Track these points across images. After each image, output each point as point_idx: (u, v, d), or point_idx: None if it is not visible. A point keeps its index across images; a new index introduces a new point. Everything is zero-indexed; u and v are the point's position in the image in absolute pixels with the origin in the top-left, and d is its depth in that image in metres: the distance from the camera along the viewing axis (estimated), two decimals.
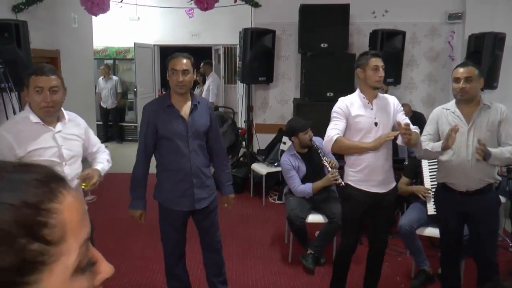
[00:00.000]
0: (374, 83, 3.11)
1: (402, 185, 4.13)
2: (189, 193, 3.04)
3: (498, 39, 6.13)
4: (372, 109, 3.16)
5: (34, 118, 2.40)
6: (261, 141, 6.91)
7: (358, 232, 3.44)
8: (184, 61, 2.92)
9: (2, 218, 0.58)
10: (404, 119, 3.14)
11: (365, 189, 3.21)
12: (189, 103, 3.02)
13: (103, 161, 2.69)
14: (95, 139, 2.78)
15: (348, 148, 3.16)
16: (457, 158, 3.10)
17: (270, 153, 6.57)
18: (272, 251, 4.55)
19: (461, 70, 3.09)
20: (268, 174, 6.10)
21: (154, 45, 10.62)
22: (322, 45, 6.25)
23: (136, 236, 4.87)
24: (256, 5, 6.81)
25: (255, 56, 6.37)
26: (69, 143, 2.52)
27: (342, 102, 3.21)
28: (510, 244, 4.68)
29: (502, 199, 4.20)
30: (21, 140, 2.36)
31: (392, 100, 3.25)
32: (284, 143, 6.27)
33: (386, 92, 5.85)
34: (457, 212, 3.21)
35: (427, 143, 3.20)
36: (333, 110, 3.22)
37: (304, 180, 4.29)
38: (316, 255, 4.17)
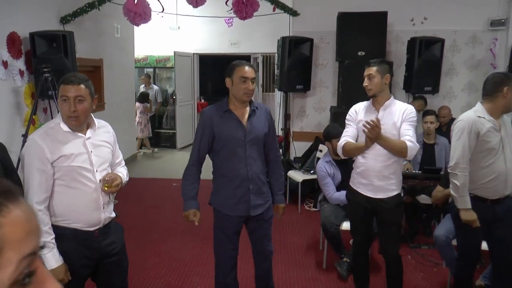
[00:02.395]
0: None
1: (437, 193, 4.07)
2: (246, 199, 3.03)
3: None
4: (377, 116, 3.17)
5: (64, 127, 2.43)
6: (298, 149, 6.94)
7: (366, 234, 3.48)
8: (251, 69, 2.97)
9: None
10: (406, 130, 3.11)
11: (361, 192, 3.29)
12: (247, 109, 3.02)
13: (123, 173, 2.69)
14: (119, 152, 2.79)
15: (352, 150, 3.28)
16: (497, 166, 3.06)
17: (307, 161, 6.59)
18: (307, 257, 4.57)
19: None
20: (304, 181, 6.12)
21: (193, 53, 10.83)
22: (359, 53, 6.25)
23: (177, 238, 4.98)
24: (294, 14, 6.87)
25: (293, 64, 6.42)
26: (99, 150, 2.54)
27: (353, 108, 3.37)
28: None
29: None
30: (53, 146, 2.39)
31: (404, 109, 3.18)
32: (321, 151, 6.29)
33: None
34: (482, 220, 3.13)
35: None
36: (347, 116, 3.40)
37: (339, 188, 4.30)
38: (351, 264, 4.16)
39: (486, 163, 3.08)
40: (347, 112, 5.95)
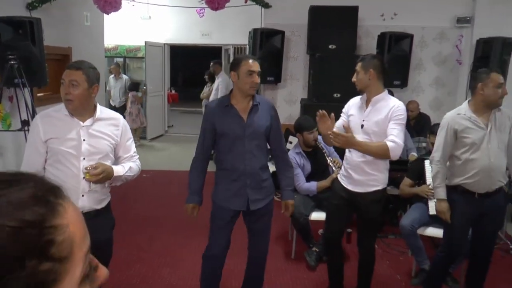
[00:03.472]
0: (357, 86, 3.21)
1: (404, 187, 4.20)
2: (242, 193, 3.06)
3: (506, 44, 6.16)
4: (365, 111, 3.22)
5: (64, 111, 2.52)
6: None
7: (340, 225, 3.52)
8: (256, 63, 2.99)
9: (7, 242, 0.56)
10: (391, 129, 3.07)
11: (342, 184, 3.36)
12: (250, 103, 3.04)
13: (125, 166, 2.68)
14: (130, 146, 2.77)
15: (328, 140, 3.30)
16: (481, 161, 3.15)
17: None
18: (276, 247, 4.61)
19: (500, 76, 3.14)
20: (274, 172, 6.14)
21: (164, 44, 10.73)
22: (330, 46, 6.32)
23: (148, 230, 4.97)
24: (266, 6, 6.88)
25: (264, 56, 6.42)
26: (95, 140, 2.54)
27: (349, 102, 3.41)
28: (511, 247, 4.71)
29: None
30: (48, 126, 2.50)
31: (391, 106, 3.13)
32: (291, 142, 6.33)
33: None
34: (471, 213, 3.27)
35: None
36: None
37: (309, 178, 4.36)
38: (320, 254, 4.24)
39: (468, 158, 3.20)
40: (317, 105, 6.08)
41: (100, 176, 2.48)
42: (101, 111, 2.63)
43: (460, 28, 6.74)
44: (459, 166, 3.25)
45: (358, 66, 3.22)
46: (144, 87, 10.10)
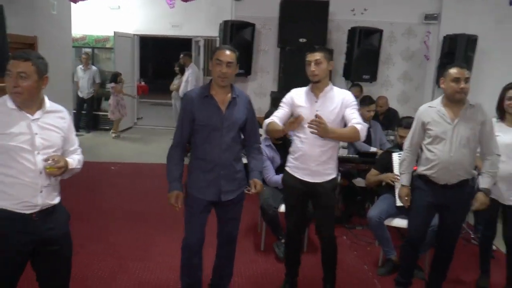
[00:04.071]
0: (311, 77, 3.22)
1: (370, 176, 4.30)
2: (215, 184, 3.05)
3: (470, 41, 6.34)
4: (316, 102, 3.26)
5: (10, 104, 2.37)
6: None
7: (301, 217, 3.55)
8: (229, 53, 2.93)
9: None
10: (351, 114, 3.20)
11: (298, 177, 3.36)
12: (229, 96, 3.02)
13: (74, 159, 2.59)
14: (74, 140, 2.69)
15: (272, 131, 3.31)
16: (442, 154, 3.22)
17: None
18: (245, 240, 4.62)
19: (459, 70, 3.16)
20: (243, 165, 6.15)
21: (134, 34, 10.57)
22: (301, 40, 6.36)
23: (116, 223, 4.92)
24: None
25: (235, 49, 6.42)
26: (47, 133, 2.45)
27: (289, 93, 3.39)
28: (472, 236, 4.89)
29: None
30: None
31: (343, 96, 3.28)
32: (261, 135, 6.36)
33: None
34: (431, 202, 3.35)
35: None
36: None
37: (278, 171, 4.37)
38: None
39: (430, 150, 3.29)
40: None
41: (62, 170, 2.42)
42: (51, 104, 2.54)
43: (428, 25, 6.90)
44: (424, 157, 3.36)
45: (321, 56, 3.20)
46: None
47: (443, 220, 3.43)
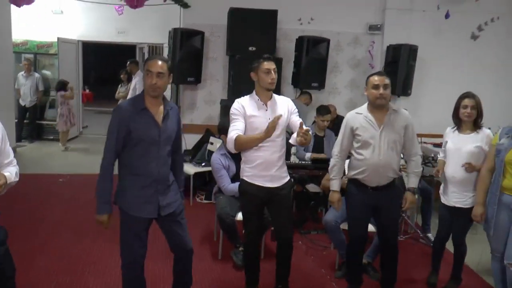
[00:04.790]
0: (267, 85, 3.31)
1: (324, 181, 4.45)
2: (153, 200, 2.97)
3: (412, 51, 6.67)
4: (266, 110, 3.36)
5: None
6: (188, 141, 6.93)
7: (259, 224, 3.61)
8: (160, 63, 2.84)
9: None
10: (298, 120, 3.36)
11: (259, 184, 3.41)
12: (161, 108, 2.95)
13: (11, 172, 2.49)
14: (9, 151, 2.58)
15: (247, 143, 3.32)
16: (372, 157, 3.41)
17: (197, 154, 6.63)
18: (201, 249, 4.62)
19: (379, 77, 3.39)
20: (196, 174, 6.16)
21: (78, 40, 10.32)
22: (250, 48, 6.43)
23: (67, 237, 4.78)
24: (185, 6, 6.86)
25: (184, 57, 6.42)
26: None
27: (238, 103, 3.38)
28: (421, 236, 5.14)
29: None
30: None
31: (287, 102, 3.48)
32: (212, 143, 6.37)
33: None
34: (367, 205, 3.54)
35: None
36: (230, 112, 3.39)
37: (234, 179, 4.41)
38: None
39: (360, 154, 3.47)
40: None
41: (3, 188, 2.31)
42: None
43: (372, 35, 7.18)
44: (354, 161, 3.54)
45: (274, 66, 3.34)
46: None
47: (380, 221, 3.63)
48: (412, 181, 3.56)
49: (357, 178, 3.51)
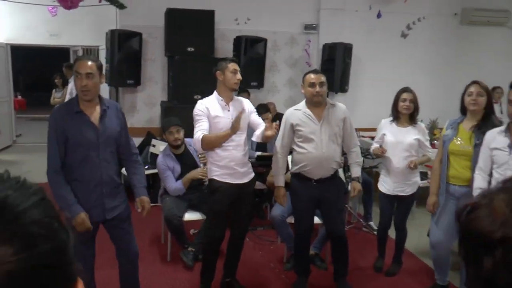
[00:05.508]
0: (233, 85, 3.44)
1: (270, 177, 4.54)
2: (99, 203, 2.93)
3: (347, 49, 6.90)
4: (229, 110, 3.46)
5: None
6: None
7: (226, 223, 3.64)
8: (89, 63, 2.80)
9: None
10: (257, 119, 3.57)
11: (230, 182, 3.48)
12: (98, 108, 2.89)
13: None
14: None
15: (216, 140, 3.39)
16: (315, 151, 3.53)
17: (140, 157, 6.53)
18: (150, 253, 4.58)
19: (315, 75, 3.54)
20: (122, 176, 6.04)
21: (6, 44, 9.86)
22: (188, 49, 6.42)
23: None
24: (121, 7, 6.72)
25: (122, 59, 6.32)
26: None
27: (201, 104, 3.44)
28: (364, 224, 5.37)
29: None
30: None
31: (244, 102, 3.61)
32: (154, 145, 6.31)
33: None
34: (311, 198, 3.66)
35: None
36: (194, 113, 3.44)
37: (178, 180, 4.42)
38: (196, 253, 4.32)
39: (303, 148, 3.59)
40: (178, 107, 6.16)
41: None
42: None
43: (308, 34, 7.37)
44: (297, 156, 3.66)
45: (238, 67, 3.46)
46: None
47: (326, 212, 3.76)
48: (355, 171, 3.73)
49: (301, 172, 3.62)
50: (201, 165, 4.37)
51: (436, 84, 7.67)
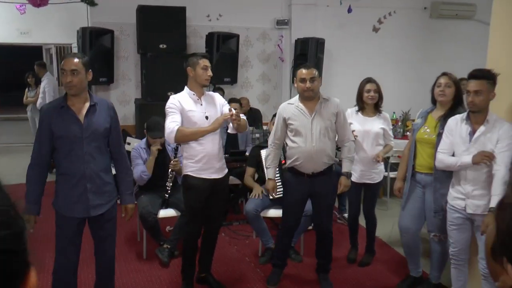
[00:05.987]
0: (204, 81, 3.46)
1: (248, 178, 4.58)
2: (84, 199, 2.94)
3: (319, 44, 6.96)
4: (201, 104, 3.48)
5: None
6: None
7: (203, 218, 3.67)
8: (75, 60, 2.85)
9: None
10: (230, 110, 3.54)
11: (205, 177, 3.49)
12: (87, 104, 2.93)
13: None
14: None
15: (192, 134, 3.38)
16: (305, 145, 3.56)
17: None
18: (126, 250, 4.57)
19: (306, 71, 3.54)
20: (115, 175, 6.02)
21: None
22: (161, 46, 6.40)
23: None
24: (92, 4, 6.67)
25: (94, 56, 6.25)
26: None
27: (174, 99, 3.45)
28: (338, 216, 5.46)
29: None
30: None
31: (217, 96, 3.65)
32: (128, 143, 6.28)
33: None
34: (303, 192, 3.71)
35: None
36: (166, 107, 3.43)
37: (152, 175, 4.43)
38: (172, 250, 4.34)
39: (295, 142, 3.62)
40: (152, 104, 6.15)
41: None
42: None
43: (280, 29, 7.42)
44: (290, 150, 3.69)
45: (209, 63, 3.48)
46: None
47: (316, 206, 3.80)
48: (345, 166, 3.71)
49: (293, 166, 3.65)
50: (171, 157, 4.36)
51: (407, 77, 7.79)
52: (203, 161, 3.46)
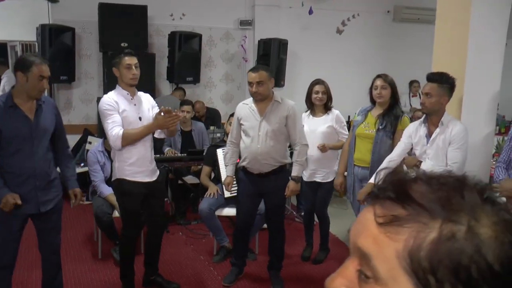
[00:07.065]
0: (129, 81, 3.33)
1: (204, 177, 4.59)
2: (32, 196, 2.94)
3: (282, 45, 7.03)
4: (135, 104, 3.42)
5: None
6: None
7: (140, 221, 3.66)
8: (46, 66, 2.91)
9: None
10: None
11: (140, 180, 3.44)
12: (34, 103, 2.91)
13: None
14: None
15: (136, 135, 3.32)
16: (251, 146, 3.59)
17: (76, 154, 6.44)
18: (82, 250, 4.54)
19: (253, 75, 3.52)
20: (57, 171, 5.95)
21: None
22: (122, 44, 6.35)
23: None
24: (53, 1, 6.58)
25: (55, 54, 6.17)
26: None
27: (110, 98, 3.31)
28: (296, 215, 5.54)
29: None
30: None
31: (148, 97, 3.57)
32: (90, 142, 6.23)
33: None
34: (254, 191, 3.73)
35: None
36: (102, 107, 3.28)
37: (109, 179, 4.37)
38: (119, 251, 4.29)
39: (243, 143, 3.65)
40: None
41: None
42: None
43: (244, 30, 7.46)
44: (241, 149, 3.73)
45: (136, 61, 3.41)
46: None
47: (267, 205, 3.85)
48: (294, 169, 3.67)
49: (244, 165, 3.68)
50: None
51: (369, 78, 7.82)
52: (137, 163, 3.40)
